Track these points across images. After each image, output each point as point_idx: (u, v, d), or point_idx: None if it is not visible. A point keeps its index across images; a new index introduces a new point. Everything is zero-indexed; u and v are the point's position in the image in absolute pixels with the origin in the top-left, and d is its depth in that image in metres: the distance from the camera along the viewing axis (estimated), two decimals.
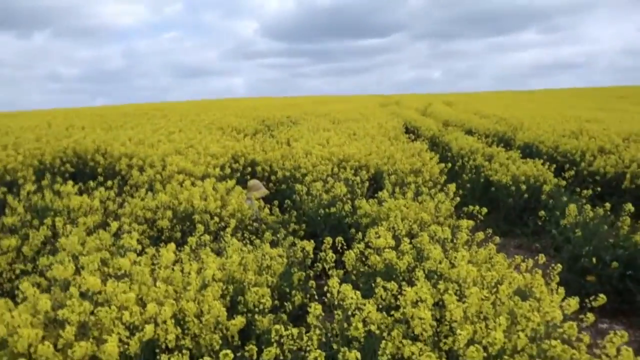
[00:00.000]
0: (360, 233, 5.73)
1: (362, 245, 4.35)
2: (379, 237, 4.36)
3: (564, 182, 8.60)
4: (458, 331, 2.59)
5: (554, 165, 9.70)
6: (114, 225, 4.82)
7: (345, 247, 4.73)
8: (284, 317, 3.73)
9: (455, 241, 4.49)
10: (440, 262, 3.86)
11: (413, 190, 7.25)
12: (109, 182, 6.95)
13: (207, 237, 4.87)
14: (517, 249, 8.06)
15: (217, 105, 39.86)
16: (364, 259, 4.29)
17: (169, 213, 5.63)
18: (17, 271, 4.42)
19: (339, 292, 3.31)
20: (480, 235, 4.64)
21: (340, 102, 46.28)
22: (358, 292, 3.11)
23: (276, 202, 6.92)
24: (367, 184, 7.83)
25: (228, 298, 3.63)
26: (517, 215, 8.65)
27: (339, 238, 4.62)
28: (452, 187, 7.07)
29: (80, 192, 6.93)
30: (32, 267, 4.40)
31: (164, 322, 2.91)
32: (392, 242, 4.21)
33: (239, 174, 8.71)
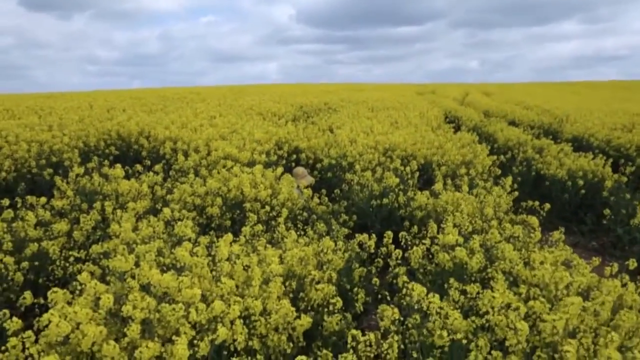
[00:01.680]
0: (415, 226, 5.50)
1: (427, 242, 4.10)
2: (446, 233, 4.10)
3: (624, 179, 8.18)
4: (565, 348, 2.33)
5: (610, 160, 9.29)
6: (167, 211, 4.66)
7: (403, 241, 4.50)
8: (349, 316, 3.51)
9: (527, 239, 4.22)
10: (516, 264, 3.60)
11: (467, 183, 6.96)
12: (157, 167, 6.83)
13: (260, 227, 4.69)
14: (573, 247, 7.69)
15: (253, 90, 39.84)
16: (430, 256, 4.05)
17: (219, 200, 5.46)
18: (71, 259, 4.29)
19: (409, 291, 3.08)
20: (557, 234, 4.35)
21: (375, 90, 45.77)
22: (437, 295, 2.87)
23: (324, 191, 6.70)
24: (417, 174, 7.56)
25: (290, 295, 3.44)
26: (572, 212, 8.27)
27: (403, 233, 4.37)
28: (507, 180, 6.75)
29: (127, 176, 6.83)
30: (84, 254, 4.27)
31: (232, 322, 2.72)
32: (461, 239, 3.96)
33: (284, 161, 8.51)
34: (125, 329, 2.44)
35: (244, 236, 4.41)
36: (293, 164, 8.80)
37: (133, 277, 2.97)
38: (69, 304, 2.68)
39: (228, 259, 3.41)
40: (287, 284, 3.46)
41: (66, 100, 22.13)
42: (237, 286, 3.29)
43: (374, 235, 4.41)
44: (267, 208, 5.43)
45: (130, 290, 2.81)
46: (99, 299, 2.66)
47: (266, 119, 14.30)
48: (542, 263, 3.43)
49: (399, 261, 3.82)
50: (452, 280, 3.34)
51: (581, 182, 8.03)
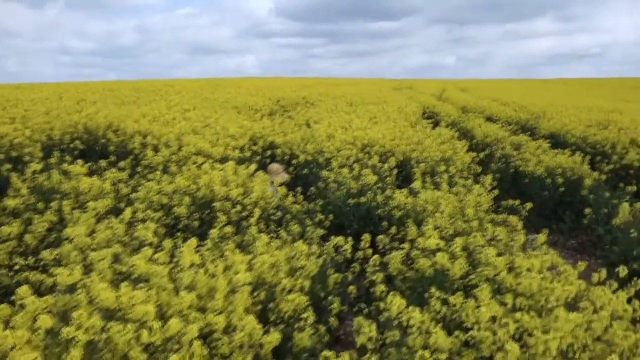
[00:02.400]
0: (394, 227, 5.26)
1: (407, 246, 3.85)
2: (427, 236, 3.86)
3: (604, 177, 8.04)
4: None
5: (589, 157, 9.19)
6: (128, 212, 4.34)
7: (382, 246, 4.25)
8: (322, 330, 3.25)
9: (510, 243, 4.00)
10: (497, 269, 3.37)
11: (446, 181, 6.75)
12: (122, 163, 6.46)
13: (230, 229, 4.40)
14: (552, 246, 7.54)
15: (231, 83, 39.31)
16: (410, 261, 3.80)
17: (187, 200, 5.14)
18: (17, 266, 3.93)
19: (388, 304, 2.83)
20: (542, 237, 4.13)
21: (352, 85, 45.58)
22: (417, 309, 2.62)
23: (300, 189, 6.42)
24: (396, 171, 7.32)
25: (259, 307, 3.16)
26: (551, 210, 8.11)
27: (381, 237, 4.12)
28: (488, 178, 6.55)
29: (91, 173, 6.47)
30: (34, 260, 3.92)
31: (191, 343, 2.44)
32: (443, 244, 3.72)
33: (259, 157, 8.21)
34: (64, 356, 2.14)
35: (212, 239, 4.11)
36: (268, 160, 8.51)
37: (82, 290, 2.67)
38: (7, 323, 2.37)
39: (192, 267, 3.12)
40: (255, 294, 3.18)
41: (35, 92, 21.42)
42: (200, 297, 3.01)
43: (350, 239, 4.14)
44: (239, 208, 5.13)
45: (77, 306, 2.51)
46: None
47: (242, 112, 13.96)
48: (529, 270, 3.21)
49: (377, 268, 3.56)
50: (433, 289, 3.09)
51: (561, 180, 7.88)
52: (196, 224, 5.08)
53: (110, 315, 2.52)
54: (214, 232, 4.13)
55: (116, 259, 3.56)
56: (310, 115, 13.46)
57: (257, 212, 4.92)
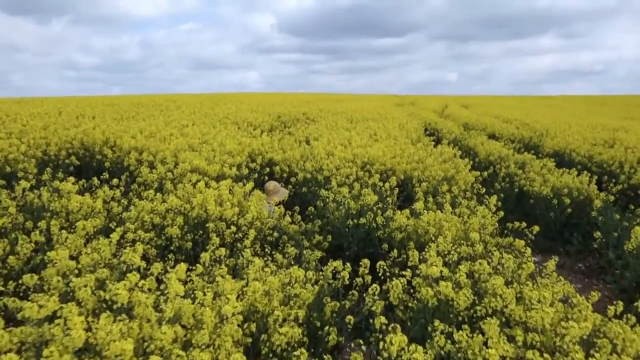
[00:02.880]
0: (395, 250, 5.06)
1: (408, 273, 3.64)
2: (429, 262, 3.66)
3: (612, 197, 7.85)
4: None
5: (595, 177, 9.00)
6: (115, 234, 4.13)
7: (381, 271, 4.04)
8: None
9: (518, 270, 3.79)
10: (505, 300, 3.16)
11: (449, 201, 6.56)
12: (115, 180, 6.28)
13: (222, 251, 4.20)
14: (559, 269, 7.32)
15: (232, 98, 39.28)
16: (411, 289, 3.59)
17: (180, 220, 4.95)
18: None
19: (387, 342, 2.62)
20: (552, 265, 3.92)
21: (354, 101, 45.61)
22: (419, 348, 2.41)
23: (297, 208, 6.22)
24: (396, 191, 7.13)
25: (250, 339, 2.96)
26: (557, 231, 7.90)
27: (381, 263, 3.91)
28: (492, 199, 6.35)
29: (83, 191, 6.29)
30: (14, 285, 3.71)
31: None
32: (446, 271, 3.52)
33: (256, 175, 8.03)
34: None
35: (203, 263, 3.91)
36: (266, 178, 8.33)
37: (58, 324, 2.47)
38: None
39: (179, 295, 2.92)
40: (246, 325, 2.98)
41: (35, 106, 21.37)
42: (185, 326, 2.80)
43: (348, 265, 3.93)
44: (233, 228, 4.94)
45: (51, 340, 2.31)
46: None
47: (241, 128, 13.82)
48: (539, 302, 3.00)
49: (376, 297, 3.35)
50: (437, 322, 2.88)
51: (567, 201, 7.68)
52: (189, 244, 4.89)
53: (84, 351, 2.32)
54: (204, 256, 3.93)
55: (101, 284, 3.37)
56: (310, 132, 13.33)
57: (252, 234, 4.72)
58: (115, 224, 4.96)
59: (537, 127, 19.38)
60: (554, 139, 15.55)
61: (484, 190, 7.21)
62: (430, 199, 6.61)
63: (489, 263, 3.90)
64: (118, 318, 2.56)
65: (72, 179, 5.80)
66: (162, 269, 3.80)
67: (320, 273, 4.00)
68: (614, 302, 3.24)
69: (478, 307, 3.17)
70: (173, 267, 4.59)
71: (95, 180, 6.26)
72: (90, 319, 2.74)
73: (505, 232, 5.77)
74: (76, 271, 3.49)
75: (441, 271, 3.56)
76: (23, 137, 9.84)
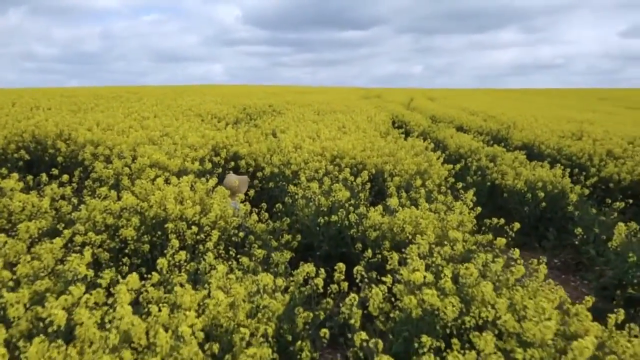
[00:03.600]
0: (369, 249, 4.74)
1: (389, 279, 3.30)
2: (411, 266, 3.34)
3: (587, 191, 7.68)
4: None
5: (568, 170, 8.85)
6: (58, 240, 3.68)
7: (359, 277, 3.70)
8: None
9: (506, 273, 3.50)
10: (498, 310, 2.86)
11: (424, 196, 6.27)
12: (65, 176, 5.76)
13: (182, 255, 3.80)
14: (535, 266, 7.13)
15: (196, 90, 38.46)
16: (392, 297, 3.26)
17: (136, 220, 4.51)
18: None
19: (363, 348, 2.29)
20: (543, 269, 3.65)
21: (320, 93, 45.27)
22: None
23: (264, 206, 5.82)
24: (368, 186, 6.81)
25: None
26: (532, 226, 7.70)
27: (358, 268, 3.56)
28: (469, 194, 6.09)
29: (31, 188, 5.79)
30: None
31: None
32: (430, 277, 3.19)
33: (220, 169, 7.60)
34: None
35: (160, 270, 3.51)
36: (231, 172, 7.90)
37: None
38: None
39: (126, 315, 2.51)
40: (207, 346, 2.60)
41: None
42: (137, 351, 2.41)
43: (322, 271, 3.57)
44: (194, 229, 4.52)
45: None
46: None
47: (205, 120, 13.29)
48: (538, 313, 2.70)
49: (354, 307, 3.00)
50: (424, 338, 2.56)
51: (542, 194, 7.48)
52: (146, 247, 4.46)
53: None
54: (161, 262, 3.52)
55: (40, 298, 2.95)
56: (276, 124, 12.92)
57: (215, 235, 4.32)
58: (63, 225, 4.49)
59: (504, 119, 19.36)
60: (521, 131, 15.49)
61: (460, 185, 6.91)
62: (404, 194, 6.32)
63: (474, 265, 3.60)
64: (53, 344, 2.16)
65: (15, 175, 5.30)
66: (114, 276, 3.40)
67: (291, 279, 3.64)
68: (616, 312, 2.97)
69: (467, 318, 2.85)
70: (129, 273, 4.20)
71: (44, 177, 5.74)
72: (21, 343, 2.33)
73: (483, 229, 5.51)
74: (11, 283, 3.04)
75: (424, 277, 3.24)
76: None
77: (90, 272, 3.17)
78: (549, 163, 9.59)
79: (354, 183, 6.72)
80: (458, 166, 8.61)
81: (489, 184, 8.98)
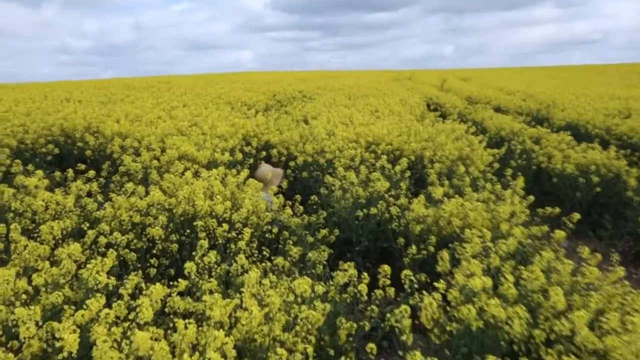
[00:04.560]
0: (413, 246, 4.37)
1: (442, 285, 2.93)
2: (467, 269, 2.96)
3: None
4: None
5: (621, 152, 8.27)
6: (77, 246, 3.41)
7: (407, 283, 3.33)
8: None
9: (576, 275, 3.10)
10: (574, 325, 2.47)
11: (468, 184, 5.86)
12: (91, 172, 5.50)
13: (211, 257, 3.49)
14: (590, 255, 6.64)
15: (226, 78, 38.33)
16: (446, 304, 2.89)
17: (163, 218, 4.22)
18: None
19: None
20: (621, 271, 3.24)
21: (351, 77, 44.66)
22: None
23: (298, 198, 5.47)
24: (408, 174, 6.41)
25: None
26: (585, 213, 7.18)
27: (406, 272, 3.18)
28: (520, 181, 5.65)
29: (59, 184, 5.57)
30: None
31: None
32: (490, 283, 2.81)
33: (251, 160, 7.28)
34: None
35: (188, 275, 3.21)
36: (264, 163, 7.59)
37: None
38: None
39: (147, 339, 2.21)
40: None
41: (21, 91, 20.51)
42: None
43: (365, 275, 3.21)
44: (225, 226, 4.21)
45: None
46: None
47: (235, 108, 13.02)
48: (625, 328, 2.31)
49: (404, 316, 2.63)
50: (491, 359, 2.19)
51: (596, 179, 6.97)
52: (175, 247, 4.17)
53: None
54: (189, 266, 3.22)
55: (57, 312, 2.68)
56: (307, 110, 12.56)
57: (247, 233, 4.01)
58: (88, 224, 4.23)
59: (543, 98, 18.61)
60: (563, 110, 14.81)
61: (510, 172, 6.41)
62: (446, 182, 5.92)
63: (539, 266, 3.20)
64: None
65: (40, 172, 5.07)
66: (139, 282, 3.12)
67: (330, 283, 3.30)
68: None
69: (536, 332, 2.47)
70: (155, 276, 3.93)
71: (70, 173, 5.50)
72: None
73: (536, 219, 5.08)
74: (25, 296, 2.78)
75: (484, 283, 2.86)
76: (2, 124, 9.09)
77: (112, 280, 2.88)
78: (601, 145, 9.01)
79: (392, 171, 6.33)
80: (503, 150, 8.11)
81: (534, 167, 8.49)
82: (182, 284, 2.98)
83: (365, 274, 3.14)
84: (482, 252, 3.40)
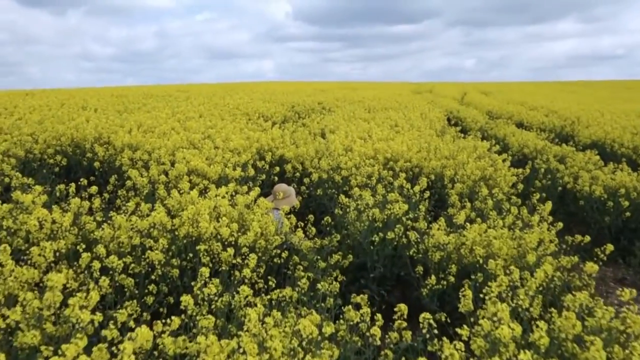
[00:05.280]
0: (433, 276, 4.05)
1: (465, 332, 2.60)
2: (493, 313, 2.63)
3: None
4: None
5: None
6: (60, 276, 3.12)
7: (425, 325, 3.01)
8: None
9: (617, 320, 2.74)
10: None
11: (491, 207, 5.52)
12: (93, 188, 5.26)
13: (212, 288, 3.19)
14: (618, 283, 6.26)
15: (245, 88, 38.26)
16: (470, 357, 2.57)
17: (164, 241, 3.94)
18: None
19: None
20: None
21: (371, 89, 44.36)
22: None
23: (311, 218, 5.16)
24: (427, 194, 6.08)
25: None
26: (613, 238, 6.79)
27: (425, 316, 2.84)
28: (547, 206, 5.29)
29: (60, 199, 5.34)
30: None
31: None
32: (519, 330, 2.48)
33: (263, 176, 7.00)
34: None
35: (184, 310, 2.92)
36: (276, 178, 7.31)
37: None
38: None
39: None
40: None
41: (39, 98, 20.52)
42: None
43: (379, 317, 2.90)
44: (230, 251, 3.93)
45: None
46: None
47: (252, 120, 12.78)
48: None
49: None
50: None
51: (626, 203, 6.58)
52: (175, 272, 3.89)
53: None
54: (186, 300, 2.92)
55: (32, 353, 2.40)
56: (325, 123, 12.29)
57: (252, 260, 3.71)
58: (84, 245, 3.96)
59: (567, 114, 18.14)
60: (587, 127, 14.36)
61: (537, 195, 6.03)
62: (468, 204, 5.58)
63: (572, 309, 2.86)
64: None
65: (38, 188, 4.83)
66: (131, 314, 2.85)
67: (340, 321, 2.99)
68: None
69: None
70: (153, 304, 3.66)
71: (72, 187, 5.26)
72: None
73: (564, 246, 4.72)
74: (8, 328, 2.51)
75: (512, 330, 2.52)
76: (13, 133, 8.92)
77: (98, 317, 2.60)
78: (627, 165, 8.59)
79: (411, 191, 6.01)
80: (528, 169, 7.73)
81: (560, 188, 8.10)
82: (175, 322, 2.68)
83: (379, 316, 2.81)
84: (508, 289, 3.05)
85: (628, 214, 6.59)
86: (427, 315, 2.69)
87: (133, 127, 9.23)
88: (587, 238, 4.66)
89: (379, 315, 2.84)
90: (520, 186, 6.77)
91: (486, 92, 43.90)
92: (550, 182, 8.18)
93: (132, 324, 2.95)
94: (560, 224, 4.91)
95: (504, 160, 7.82)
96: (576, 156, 9.33)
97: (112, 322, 2.67)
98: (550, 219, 4.97)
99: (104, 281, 3.23)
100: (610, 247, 4.23)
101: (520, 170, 7.38)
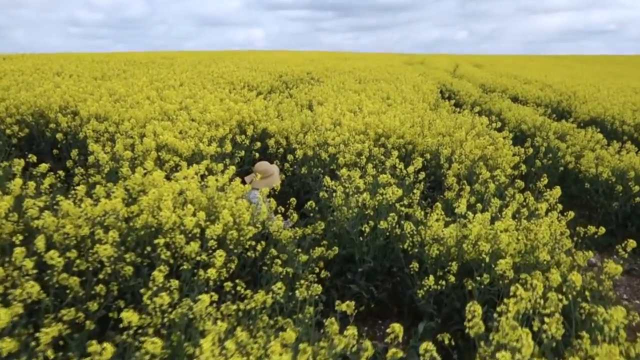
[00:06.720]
0: (431, 276, 3.51)
1: (484, 350, 2.05)
2: (509, 335, 2.08)
3: None
4: None
5: None
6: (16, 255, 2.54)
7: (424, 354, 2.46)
8: None
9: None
10: None
11: (492, 192, 4.97)
12: (42, 166, 4.58)
13: (165, 298, 2.61)
14: (626, 275, 5.77)
15: (233, 56, 37.19)
16: None
17: (114, 234, 3.33)
18: None
19: None
20: None
21: (362, 59, 43.44)
22: None
23: (293, 201, 4.56)
24: (422, 175, 5.50)
25: None
26: (620, 224, 6.29)
27: (427, 346, 2.27)
28: (555, 191, 4.73)
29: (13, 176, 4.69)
30: None
31: None
32: (535, 349, 1.93)
33: (242, 152, 6.37)
34: None
35: (129, 323, 2.35)
36: (256, 155, 6.69)
37: None
38: None
39: None
40: None
41: (15, 63, 19.57)
42: None
43: (369, 346, 2.33)
44: (195, 245, 3.33)
45: None
46: None
47: (236, 89, 12.07)
48: None
49: None
50: None
51: (637, 188, 6.05)
52: (129, 270, 3.30)
53: None
54: (127, 316, 2.34)
55: None
56: (314, 94, 11.61)
57: (219, 258, 3.12)
58: (20, 237, 3.33)
59: (562, 89, 17.59)
60: (584, 103, 13.84)
61: (545, 181, 5.43)
62: (467, 187, 5.02)
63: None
64: None
65: None
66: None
67: (320, 343, 2.43)
68: None
69: None
70: (98, 311, 3.08)
71: (20, 164, 4.58)
72: None
73: (576, 239, 4.17)
74: None
75: (533, 348, 1.98)
76: None
77: (11, 344, 2.02)
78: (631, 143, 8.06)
79: (405, 172, 5.42)
80: (530, 149, 7.16)
81: (561, 169, 7.57)
82: (109, 350, 2.10)
83: (369, 344, 2.24)
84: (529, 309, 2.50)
85: (638, 199, 6.07)
86: (430, 346, 2.12)
87: (104, 95, 8.51)
88: (602, 230, 4.12)
89: (368, 344, 2.26)
90: (523, 167, 6.20)
91: (479, 65, 43.24)
92: (550, 162, 7.63)
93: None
94: (571, 213, 4.35)
95: (504, 138, 7.24)
96: (578, 134, 8.80)
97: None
98: (560, 207, 4.41)
99: (33, 287, 2.64)
100: (632, 244, 3.68)
101: (522, 149, 6.80)
